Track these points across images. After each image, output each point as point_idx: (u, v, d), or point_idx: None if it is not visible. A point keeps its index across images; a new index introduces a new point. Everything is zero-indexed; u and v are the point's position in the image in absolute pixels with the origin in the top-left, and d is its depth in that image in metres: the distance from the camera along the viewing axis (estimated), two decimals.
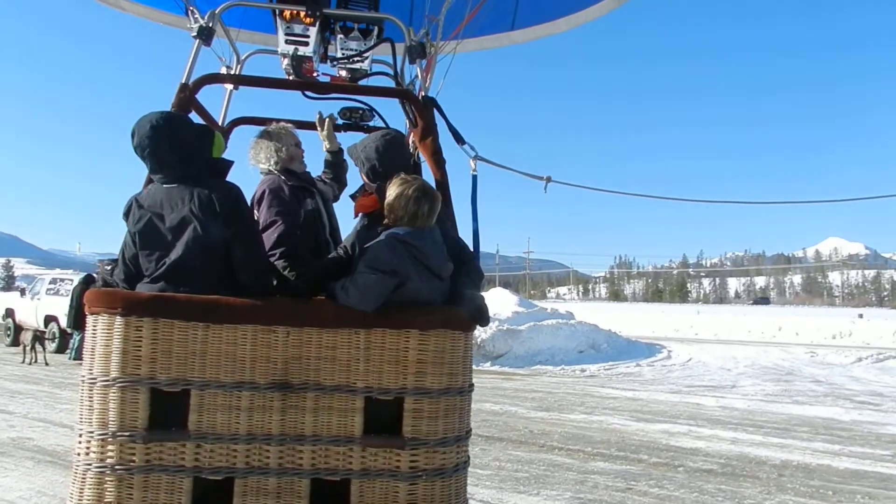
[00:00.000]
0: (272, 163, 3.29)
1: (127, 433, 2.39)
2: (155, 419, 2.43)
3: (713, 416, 10.28)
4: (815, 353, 21.23)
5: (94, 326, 2.47)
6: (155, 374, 2.43)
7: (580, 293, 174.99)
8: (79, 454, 2.47)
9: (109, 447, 2.39)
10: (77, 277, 19.01)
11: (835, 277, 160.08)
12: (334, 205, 3.68)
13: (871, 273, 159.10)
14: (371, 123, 3.93)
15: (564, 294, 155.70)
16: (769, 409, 10.99)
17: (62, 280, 19.61)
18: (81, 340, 17.86)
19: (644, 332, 31.50)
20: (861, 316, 33.94)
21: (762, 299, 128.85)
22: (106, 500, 2.36)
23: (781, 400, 12.11)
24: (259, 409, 2.45)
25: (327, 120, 3.62)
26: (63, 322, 18.30)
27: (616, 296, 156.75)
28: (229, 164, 2.92)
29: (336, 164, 3.68)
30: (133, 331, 2.42)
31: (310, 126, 3.81)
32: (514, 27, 5.25)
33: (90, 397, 2.45)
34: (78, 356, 16.61)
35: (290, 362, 2.48)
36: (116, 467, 2.37)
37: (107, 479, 2.37)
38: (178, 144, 2.60)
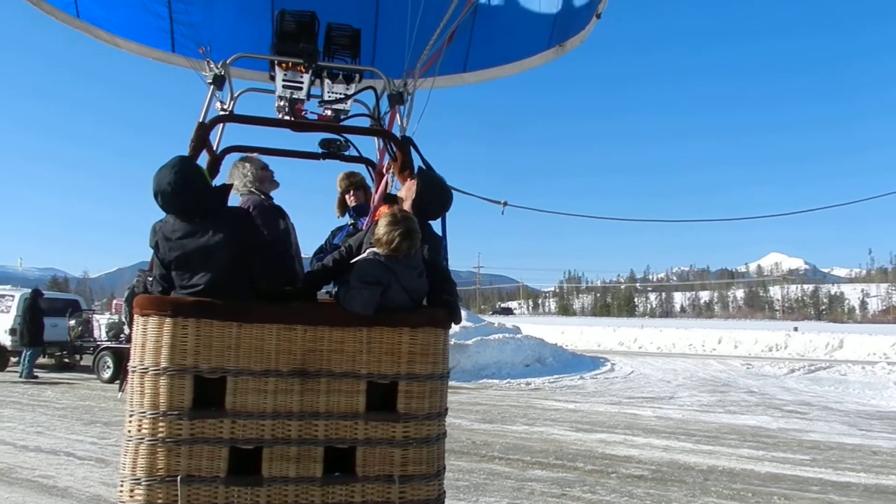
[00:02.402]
0: (247, 182, 4.07)
1: (175, 412, 3.09)
2: (198, 400, 3.14)
3: (649, 425, 11.05)
4: (751, 365, 22.71)
5: (145, 326, 3.16)
6: (198, 364, 3.13)
7: (530, 308, 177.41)
8: (130, 431, 3.13)
9: (160, 424, 3.07)
10: (18, 294, 19.05)
11: (776, 291, 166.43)
12: None
13: (809, 287, 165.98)
14: (347, 153, 4.71)
15: (515, 308, 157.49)
16: (702, 419, 11.86)
17: (2, 296, 19.54)
18: (32, 357, 17.67)
19: (590, 345, 32.92)
20: (796, 329, 35.85)
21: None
22: (158, 466, 3.05)
23: (715, 410, 12.99)
24: (282, 392, 3.19)
25: None
26: (3, 339, 18.30)
27: (565, 310, 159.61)
28: (229, 187, 3.69)
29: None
30: (180, 329, 3.12)
31: (294, 154, 4.63)
32: (465, 69, 6.07)
33: (141, 384, 3.13)
34: (30, 374, 16.56)
35: (306, 354, 3.23)
36: (167, 440, 3.06)
37: (158, 449, 3.06)
38: (191, 192, 3.31)
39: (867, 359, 25.23)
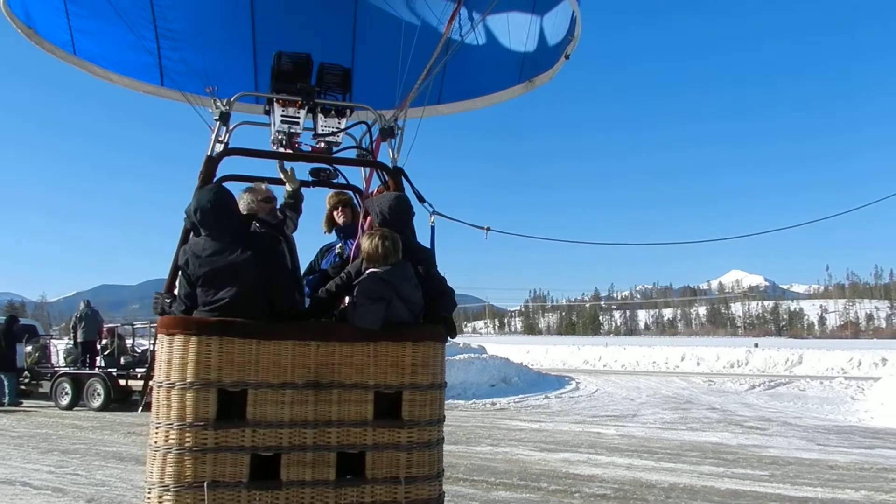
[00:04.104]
0: (250, 210, 4.56)
1: (201, 423, 3.49)
2: (221, 412, 3.55)
3: (612, 444, 11.33)
4: (713, 382, 23.40)
5: (171, 344, 3.57)
6: (221, 378, 3.55)
7: (496, 327, 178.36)
8: (156, 442, 3.53)
9: (187, 434, 3.47)
10: None
11: (737, 308, 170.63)
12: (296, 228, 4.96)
13: (770, 304, 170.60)
14: (335, 181, 5.18)
15: (480, 328, 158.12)
16: (665, 437, 12.11)
17: None
18: (11, 383, 17.46)
19: (555, 364, 33.50)
20: (756, 345, 37.08)
21: None
22: (185, 474, 3.44)
23: (677, 427, 13.33)
24: (298, 403, 3.63)
25: (289, 170, 4.89)
26: None
27: (531, 329, 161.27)
28: (252, 215, 4.26)
29: (296, 198, 4.92)
30: (204, 346, 3.54)
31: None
32: (440, 101, 6.61)
33: (167, 398, 3.53)
34: (14, 401, 16.46)
35: (319, 368, 3.69)
36: (193, 449, 3.46)
37: (185, 458, 3.45)
38: (226, 214, 3.83)
39: (825, 374, 26.31)
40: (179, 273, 3.87)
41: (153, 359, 3.87)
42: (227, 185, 4.40)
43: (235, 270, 3.73)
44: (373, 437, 3.71)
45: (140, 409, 14.37)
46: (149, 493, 3.52)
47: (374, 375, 3.75)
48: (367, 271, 3.95)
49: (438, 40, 5.24)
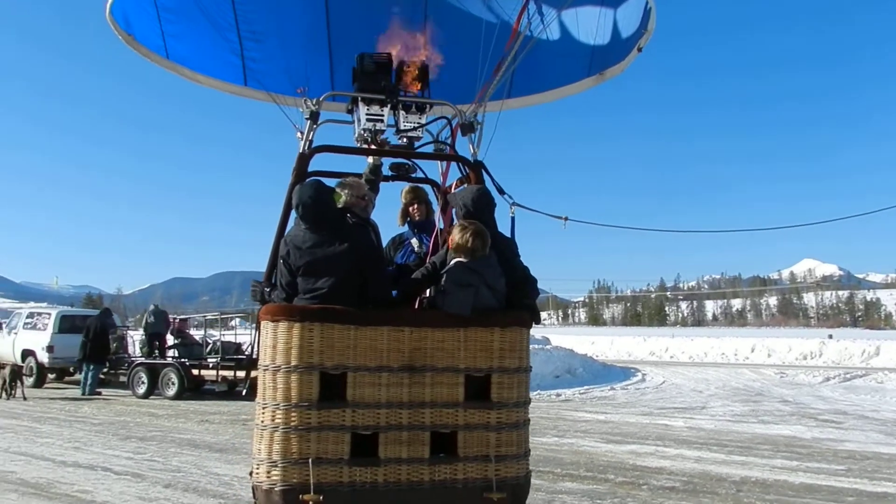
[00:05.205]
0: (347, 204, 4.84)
1: (305, 403, 3.82)
2: (323, 393, 3.86)
3: (680, 436, 11.20)
4: (785, 374, 23.00)
5: (276, 331, 3.90)
6: (323, 361, 3.86)
7: (560, 318, 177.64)
8: (263, 421, 3.87)
9: (293, 414, 3.80)
10: (55, 311, 20.04)
11: (809, 299, 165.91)
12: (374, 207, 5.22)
13: (844, 294, 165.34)
14: (414, 175, 5.50)
15: (544, 319, 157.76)
16: (735, 429, 11.90)
17: (39, 314, 20.50)
18: (96, 374, 18.65)
19: (620, 355, 33.27)
20: (831, 336, 36.12)
21: None
22: (291, 450, 3.77)
23: (748, 420, 13.09)
24: (394, 385, 3.93)
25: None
26: (41, 356, 19.20)
27: (595, 320, 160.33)
28: (347, 208, 4.49)
29: (377, 175, 5.25)
30: (307, 332, 3.86)
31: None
32: (509, 96, 6.78)
33: (273, 380, 3.86)
34: (92, 391, 17.37)
35: (413, 352, 3.97)
36: (299, 427, 3.79)
37: (291, 436, 3.78)
38: (325, 208, 4.16)
39: None
40: (280, 263, 4.20)
41: (256, 346, 4.21)
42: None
43: (334, 261, 4.04)
44: (464, 417, 3.99)
45: (244, 392, 15.00)
46: (257, 468, 3.87)
47: (464, 359, 4.03)
48: (454, 261, 4.21)
49: (508, 34, 5.45)
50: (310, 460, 3.76)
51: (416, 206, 5.68)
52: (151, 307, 19.79)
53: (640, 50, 6.35)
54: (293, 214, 4.35)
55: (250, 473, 4.03)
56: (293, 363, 3.84)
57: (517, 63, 5.32)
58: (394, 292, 4.47)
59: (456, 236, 4.20)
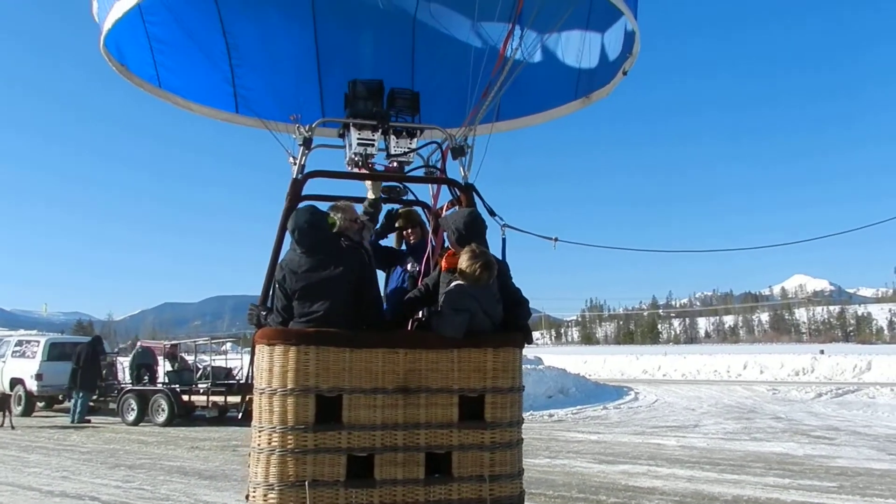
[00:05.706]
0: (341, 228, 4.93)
1: (301, 426, 3.88)
2: (319, 416, 3.92)
3: (673, 455, 11.26)
4: (777, 391, 23.12)
5: (272, 354, 3.96)
6: (319, 384, 3.94)
7: (553, 337, 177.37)
8: (259, 444, 3.92)
9: (289, 437, 3.86)
10: (44, 339, 19.97)
11: (801, 314, 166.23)
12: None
13: (836, 309, 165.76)
14: (405, 198, 5.61)
15: (537, 339, 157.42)
16: (727, 447, 12.01)
17: (28, 342, 20.46)
18: (85, 401, 18.62)
19: (613, 374, 33.38)
20: (822, 352, 36.36)
21: None
22: (288, 472, 3.83)
23: (741, 437, 13.17)
24: (389, 406, 4.01)
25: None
26: (29, 385, 19.10)
27: (588, 339, 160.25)
28: (340, 233, 4.56)
29: (376, 209, 5.33)
30: (303, 356, 3.93)
31: (361, 200, 5.44)
32: (498, 119, 6.92)
33: (269, 403, 3.93)
34: (82, 419, 17.24)
35: (408, 373, 4.05)
36: (295, 450, 3.85)
37: (287, 458, 3.84)
38: (320, 233, 4.24)
39: None
40: (276, 287, 4.28)
41: (250, 370, 4.28)
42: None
43: (329, 285, 4.14)
44: (458, 437, 4.07)
45: (239, 416, 15.00)
46: (253, 492, 3.92)
47: (458, 380, 4.12)
48: (454, 283, 4.26)
49: (495, 59, 5.59)
50: (306, 483, 3.82)
51: (410, 230, 5.77)
52: (139, 346, 20.25)
53: (625, 73, 6.49)
54: (287, 238, 4.44)
55: (246, 497, 4.08)
56: (289, 386, 3.91)
57: (505, 87, 5.44)
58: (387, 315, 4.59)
59: (464, 263, 4.21)
